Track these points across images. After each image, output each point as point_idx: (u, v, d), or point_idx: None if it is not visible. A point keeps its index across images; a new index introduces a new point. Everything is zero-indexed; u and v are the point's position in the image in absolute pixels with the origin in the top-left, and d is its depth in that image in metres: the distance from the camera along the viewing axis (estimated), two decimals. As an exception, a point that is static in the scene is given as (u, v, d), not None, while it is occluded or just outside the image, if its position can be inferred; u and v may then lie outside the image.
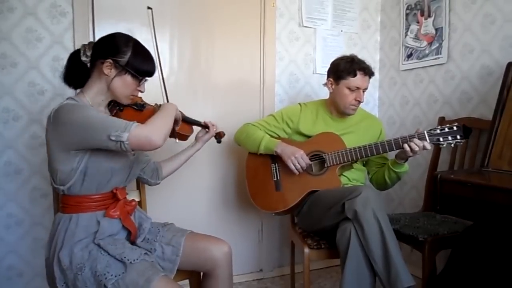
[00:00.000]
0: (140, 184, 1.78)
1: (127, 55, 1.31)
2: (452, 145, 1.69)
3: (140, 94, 1.46)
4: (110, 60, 1.30)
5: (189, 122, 1.67)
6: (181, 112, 1.57)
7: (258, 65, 2.51)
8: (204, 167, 2.40)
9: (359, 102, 1.92)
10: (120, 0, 2.15)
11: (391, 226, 1.58)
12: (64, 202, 1.34)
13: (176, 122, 1.48)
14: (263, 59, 2.50)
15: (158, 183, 1.71)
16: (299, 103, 2.10)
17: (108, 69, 1.31)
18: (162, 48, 2.24)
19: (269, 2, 2.48)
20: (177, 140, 1.61)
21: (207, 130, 1.74)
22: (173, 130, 1.50)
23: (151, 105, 1.56)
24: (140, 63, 1.34)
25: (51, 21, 2.00)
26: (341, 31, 2.72)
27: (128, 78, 1.34)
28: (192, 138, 1.72)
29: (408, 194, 2.62)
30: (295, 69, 2.61)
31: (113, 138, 1.19)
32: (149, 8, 1.42)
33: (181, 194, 2.33)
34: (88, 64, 1.35)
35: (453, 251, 1.57)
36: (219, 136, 1.78)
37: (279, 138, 2.01)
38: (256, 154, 2.00)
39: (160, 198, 2.22)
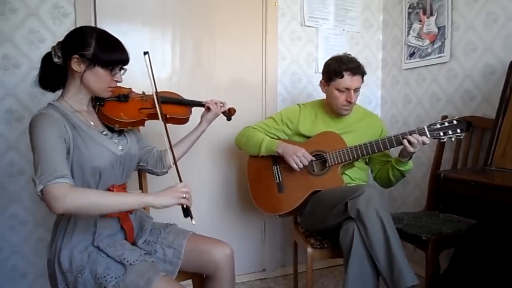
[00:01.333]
0: (143, 184, 1.77)
1: (91, 47, 1.26)
2: (453, 139, 1.69)
3: (128, 85, 1.41)
4: (76, 56, 1.26)
5: (185, 103, 1.61)
6: (176, 94, 1.52)
7: (260, 65, 2.51)
8: (206, 169, 2.40)
9: (350, 102, 1.89)
10: (122, 1, 2.15)
11: (394, 225, 1.58)
12: None
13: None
14: (265, 59, 2.50)
15: (166, 172, 1.65)
16: (298, 104, 2.10)
17: (76, 65, 1.27)
18: (164, 48, 2.25)
19: (271, 1, 2.48)
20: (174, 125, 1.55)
21: (209, 109, 1.67)
22: (165, 117, 1.45)
23: (138, 94, 1.49)
24: (107, 52, 1.28)
25: (54, 22, 2.01)
26: (343, 30, 2.72)
27: (99, 70, 1.28)
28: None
29: (411, 193, 2.61)
30: (297, 69, 2.61)
31: (34, 180, 1.13)
32: (145, 53, 1.39)
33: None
34: (62, 65, 1.31)
35: (456, 250, 1.57)
36: (229, 113, 1.71)
37: (279, 139, 2.01)
38: (257, 157, 2.00)
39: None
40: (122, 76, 1.37)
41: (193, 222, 1.34)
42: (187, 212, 1.33)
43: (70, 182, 1.15)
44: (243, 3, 2.43)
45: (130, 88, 1.50)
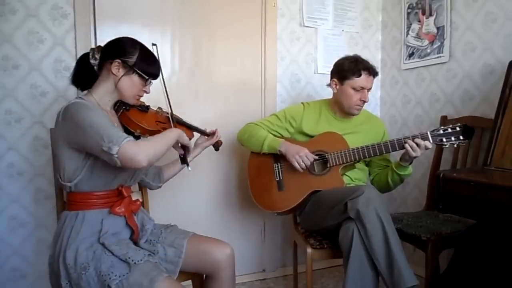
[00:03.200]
0: (142, 191, 1.79)
1: (135, 56, 1.38)
2: (455, 145, 1.69)
3: (143, 99, 1.50)
4: (118, 60, 1.36)
5: (192, 128, 1.69)
6: (181, 119, 1.64)
7: (259, 65, 2.51)
8: (206, 168, 2.40)
9: (364, 102, 1.92)
10: (121, 1, 2.15)
11: (394, 226, 1.58)
12: (71, 199, 1.36)
13: (183, 147, 1.55)
14: (264, 59, 2.50)
15: (160, 187, 1.73)
16: (302, 103, 2.09)
17: (116, 68, 1.36)
18: (163, 48, 2.25)
19: (270, 2, 2.48)
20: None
21: (207, 137, 1.75)
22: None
23: (154, 109, 1.60)
24: (147, 64, 1.40)
25: (53, 23, 2.01)
26: (342, 30, 2.72)
27: (135, 78, 1.39)
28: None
29: (410, 193, 2.61)
30: (296, 69, 2.61)
31: (105, 149, 1.21)
32: (153, 44, 1.48)
33: (183, 195, 2.33)
34: (96, 67, 1.41)
35: (456, 250, 1.57)
36: (217, 145, 1.79)
37: (281, 137, 2.01)
38: (258, 154, 1.99)
39: (162, 199, 2.22)
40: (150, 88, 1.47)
41: (189, 168, 1.59)
42: (184, 159, 1.57)
43: (133, 139, 1.27)
44: (242, 3, 2.43)
45: (144, 102, 1.58)
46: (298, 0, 2.57)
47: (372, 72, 1.91)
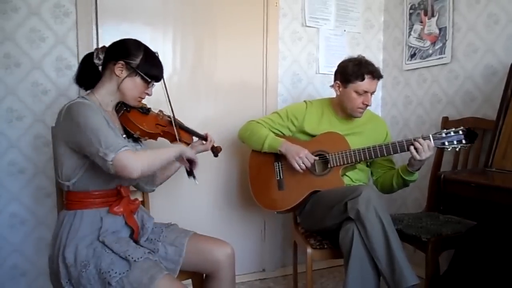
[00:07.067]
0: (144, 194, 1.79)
1: (138, 58, 1.38)
2: (457, 149, 1.69)
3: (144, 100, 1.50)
4: (122, 62, 1.36)
5: (191, 133, 1.70)
6: (182, 123, 1.64)
7: (261, 65, 2.51)
8: (207, 167, 2.40)
9: (367, 105, 1.91)
10: (123, 0, 2.15)
11: (394, 226, 1.58)
12: (69, 198, 1.36)
13: (189, 161, 1.51)
14: (266, 59, 2.50)
15: (153, 190, 1.72)
16: (305, 101, 2.08)
17: (119, 70, 1.37)
18: (165, 48, 2.25)
19: (272, 1, 2.48)
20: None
21: (203, 142, 1.73)
22: (180, 139, 1.57)
23: (155, 112, 1.60)
24: (151, 67, 1.41)
25: (55, 21, 2.01)
26: (344, 31, 2.72)
27: (138, 80, 1.39)
28: None
29: (411, 194, 2.61)
30: (298, 69, 2.61)
31: (101, 154, 1.21)
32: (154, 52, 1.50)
33: (184, 194, 2.33)
34: (100, 67, 1.41)
35: (456, 252, 1.57)
36: (216, 151, 1.79)
37: (283, 135, 2.00)
38: (259, 153, 1.99)
39: (163, 199, 2.22)
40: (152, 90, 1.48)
41: (197, 182, 1.53)
42: (191, 172, 1.53)
43: (132, 149, 1.28)
44: (244, 3, 2.43)
45: (145, 104, 1.58)
46: (300, 0, 2.57)
47: (376, 75, 1.88)
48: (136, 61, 1.38)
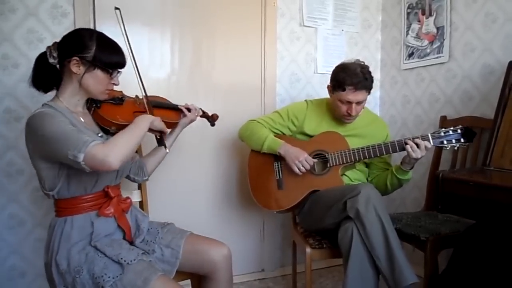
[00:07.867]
0: (142, 183, 1.77)
1: (92, 50, 1.27)
2: (456, 148, 1.70)
3: (119, 88, 1.41)
4: (76, 58, 1.26)
5: (172, 108, 1.60)
6: (164, 99, 1.56)
7: (259, 65, 2.51)
8: (205, 166, 2.40)
9: (350, 115, 1.86)
10: (121, 0, 2.14)
11: (393, 225, 1.58)
12: (58, 206, 1.34)
13: (160, 132, 1.42)
14: (264, 59, 2.50)
15: (146, 179, 1.66)
16: (306, 100, 2.07)
17: (76, 67, 1.27)
18: (164, 48, 2.25)
19: (270, 1, 2.48)
20: (169, 131, 1.56)
21: (186, 114, 1.64)
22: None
23: (131, 97, 1.51)
24: (108, 55, 1.29)
25: (52, 22, 2.01)
26: (342, 30, 2.72)
27: (98, 73, 1.29)
28: None
29: (410, 193, 2.61)
30: (296, 69, 2.61)
31: (71, 158, 1.15)
32: (116, 8, 1.38)
33: (182, 193, 2.33)
34: (58, 66, 1.31)
35: (455, 251, 1.57)
36: (212, 119, 1.74)
37: (283, 135, 2.00)
38: (258, 153, 1.99)
39: (162, 198, 2.22)
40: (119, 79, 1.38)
41: (167, 150, 1.52)
42: (161, 141, 1.45)
43: (101, 141, 1.20)
44: (242, 3, 2.43)
45: (121, 91, 1.50)
46: (298, 0, 2.57)
47: (360, 87, 1.79)
48: (91, 52, 1.26)
